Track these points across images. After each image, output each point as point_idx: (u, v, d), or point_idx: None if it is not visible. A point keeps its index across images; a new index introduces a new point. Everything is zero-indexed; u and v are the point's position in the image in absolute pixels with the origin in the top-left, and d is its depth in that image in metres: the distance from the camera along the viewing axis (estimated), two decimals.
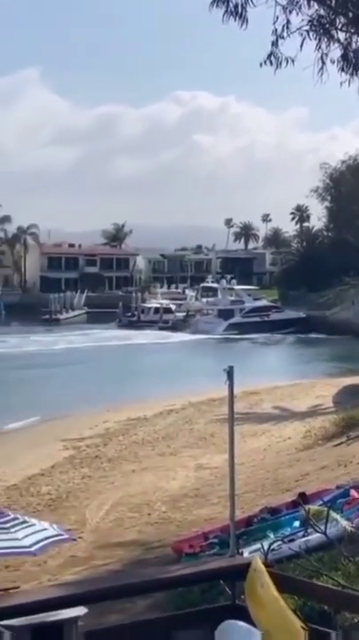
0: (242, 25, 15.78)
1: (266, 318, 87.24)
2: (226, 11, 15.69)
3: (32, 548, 10.15)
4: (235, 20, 15.77)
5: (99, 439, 29.39)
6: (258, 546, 10.94)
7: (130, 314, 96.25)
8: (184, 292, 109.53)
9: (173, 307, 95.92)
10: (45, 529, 10.71)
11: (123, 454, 26.93)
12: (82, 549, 16.27)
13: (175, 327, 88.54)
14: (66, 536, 11.30)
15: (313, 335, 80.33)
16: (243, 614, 5.37)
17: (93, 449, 27.76)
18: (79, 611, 8.26)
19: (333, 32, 15.99)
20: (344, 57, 16.10)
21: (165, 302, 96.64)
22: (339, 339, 74.33)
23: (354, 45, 16.16)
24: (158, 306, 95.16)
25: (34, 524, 10.70)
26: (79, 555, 15.94)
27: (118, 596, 6.41)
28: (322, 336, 79.15)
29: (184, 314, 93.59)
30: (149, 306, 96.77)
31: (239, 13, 15.64)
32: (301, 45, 15.81)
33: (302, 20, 15.83)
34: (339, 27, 16.05)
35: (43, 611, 5.87)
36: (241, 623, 4.94)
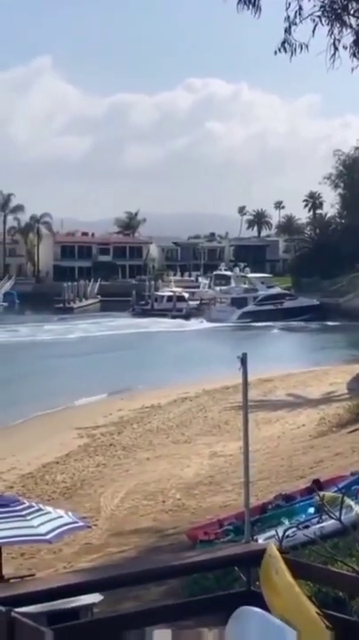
0: (256, 14, 15.74)
1: (279, 306, 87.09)
2: (239, 0, 15.67)
3: (47, 536, 10.18)
4: (249, 9, 15.73)
5: (113, 427, 29.45)
6: (272, 532, 10.96)
7: (143, 302, 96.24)
8: (197, 280, 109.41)
9: (186, 295, 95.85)
10: (60, 517, 10.75)
11: (138, 442, 26.97)
12: (97, 537, 16.33)
13: (189, 315, 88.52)
14: (81, 524, 11.34)
15: (327, 322, 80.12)
16: (258, 600, 5.38)
17: (108, 437, 27.81)
18: (94, 597, 8.32)
19: (345, 17, 15.90)
20: (356, 42, 16.00)
21: (178, 290, 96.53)
22: (353, 325, 74.15)
23: None
24: (171, 294, 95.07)
25: (49, 512, 10.74)
26: (94, 542, 15.99)
27: (133, 583, 6.44)
28: (336, 323, 78.99)
29: (197, 302, 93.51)
30: (163, 294, 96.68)
31: (253, 2, 15.60)
32: (313, 31, 15.73)
33: (314, 5, 15.76)
34: (352, 12, 15.96)
35: (58, 598, 5.89)
36: (256, 609, 4.94)
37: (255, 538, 10.07)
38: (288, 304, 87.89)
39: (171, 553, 12.86)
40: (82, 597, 7.61)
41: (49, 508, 11.10)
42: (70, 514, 11.37)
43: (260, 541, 9.22)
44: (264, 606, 5.26)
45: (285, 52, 15.93)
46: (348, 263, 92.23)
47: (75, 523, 10.97)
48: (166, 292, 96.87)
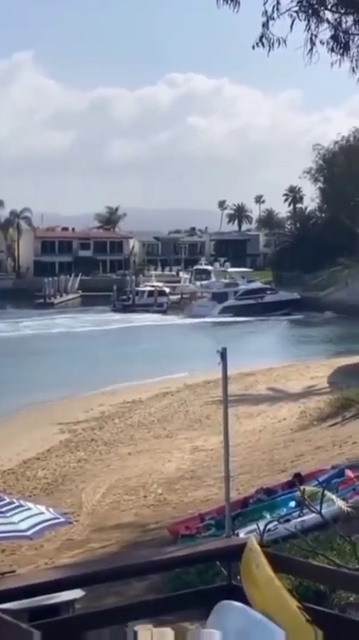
0: (234, 8, 15.74)
1: (260, 300, 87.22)
2: None
3: (28, 532, 10.16)
4: (228, 3, 15.73)
5: (94, 422, 29.43)
6: (254, 526, 10.97)
7: (124, 297, 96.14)
8: (178, 275, 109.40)
9: (167, 290, 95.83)
10: (42, 513, 10.72)
11: (119, 437, 26.97)
12: (78, 532, 16.33)
13: (169, 310, 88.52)
14: (62, 519, 11.31)
15: (307, 315, 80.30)
16: (239, 594, 5.39)
17: (89, 432, 27.80)
18: (76, 593, 8.33)
19: (322, 13, 15.91)
20: (334, 37, 16.03)
21: (159, 285, 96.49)
22: (334, 319, 74.44)
23: (343, 26, 16.09)
24: (152, 289, 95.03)
25: (30, 508, 10.71)
26: (75, 538, 15.99)
27: (115, 579, 6.42)
28: (317, 316, 79.25)
29: (178, 297, 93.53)
30: (143, 289, 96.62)
31: None
32: (291, 26, 15.74)
33: (291, 0, 15.77)
34: (329, 7, 15.98)
35: (39, 594, 5.88)
36: (236, 603, 4.96)
37: (236, 532, 10.09)
38: (269, 298, 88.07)
39: (153, 548, 12.88)
40: (63, 593, 7.61)
41: (30, 504, 11.06)
42: (51, 510, 11.34)
43: (242, 535, 9.23)
44: (245, 600, 5.27)
45: (263, 46, 15.94)
46: (329, 257, 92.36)
47: (57, 518, 10.94)
48: (147, 287, 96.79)
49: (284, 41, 15.78)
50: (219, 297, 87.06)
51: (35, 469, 23.02)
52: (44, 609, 7.06)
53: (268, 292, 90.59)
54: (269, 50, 15.89)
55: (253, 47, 16.03)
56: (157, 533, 15.15)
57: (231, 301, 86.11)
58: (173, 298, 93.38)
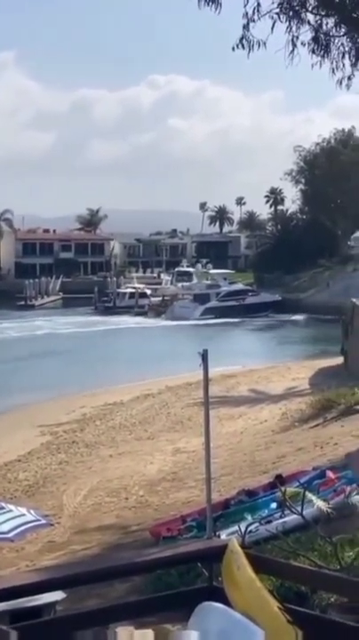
0: (216, 10, 15.75)
1: (241, 302, 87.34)
2: None
3: (9, 534, 10.13)
4: (209, 5, 15.73)
5: (76, 424, 29.38)
6: (235, 528, 11.00)
7: (106, 299, 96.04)
8: (159, 277, 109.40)
9: (149, 291, 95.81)
10: (23, 515, 10.69)
11: (101, 439, 26.95)
12: (60, 534, 16.30)
13: (151, 312, 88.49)
14: (43, 521, 11.28)
15: (288, 317, 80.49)
16: (220, 596, 5.40)
17: (70, 434, 27.75)
18: (57, 595, 8.32)
19: (303, 14, 15.95)
20: (314, 39, 16.08)
21: (141, 287, 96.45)
22: (315, 321, 74.64)
23: (324, 28, 16.14)
24: (133, 291, 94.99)
25: (11, 510, 10.68)
26: (57, 540, 15.96)
27: (96, 581, 6.41)
28: (298, 318, 79.46)
29: (159, 299, 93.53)
30: (125, 291, 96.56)
31: None
32: (272, 28, 15.78)
33: (272, 2, 15.80)
34: (310, 9, 16.02)
35: (21, 596, 5.87)
36: (217, 604, 4.97)
37: (218, 533, 10.11)
38: (250, 300, 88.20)
39: (134, 550, 12.88)
40: (44, 595, 7.60)
41: (11, 506, 11.03)
42: (33, 512, 11.31)
43: (223, 537, 9.25)
44: (226, 602, 5.28)
45: (243, 48, 15.97)
46: (310, 259, 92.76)
47: (38, 520, 10.91)
48: (128, 289, 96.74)
49: (264, 43, 15.82)
50: (200, 298, 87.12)
51: (16, 471, 22.96)
52: (26, 611, 7.04)
53: (250, 293, 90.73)
54: (249, 51, 15.92)
55: (233, 49, 16.06)
56: (139, 535, 15.15)
57: (213, 303, 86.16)
58: (154, 300, 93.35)
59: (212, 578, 5.87)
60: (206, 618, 4.83)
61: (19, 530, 10.25)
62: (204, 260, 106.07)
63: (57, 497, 19.77)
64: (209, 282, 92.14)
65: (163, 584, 9.38)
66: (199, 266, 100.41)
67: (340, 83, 16.51)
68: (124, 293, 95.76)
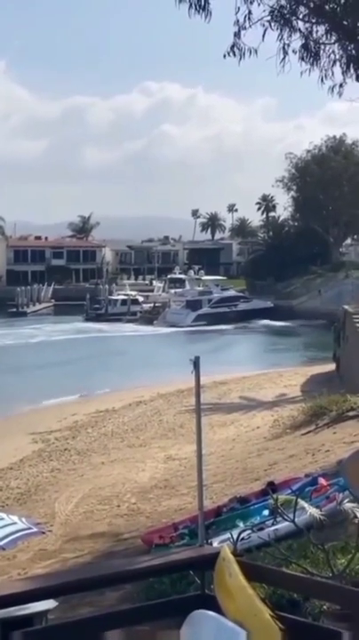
0: (206, 18, 15.76)
1: (234, 308, 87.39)
2: (190, 5, 15.67)
3: (1, 543, 10.10)
4: (199, 13, 15.74)
5: (67, 432, 29.34)
6: (227, 535, 10.96)
7: (97, 306, 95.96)
8: (151, 284, 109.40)
9: (141, 298, 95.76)
10: (14, 523, 10.66)
11: (93, 447, 26.91)
12: (51, 543, 16.25)
13: (142, 319, 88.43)
14: (35, 530, 11.25)
15: (280, 324, 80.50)
16: (212, 604, 5.39)
17: (62, 442, 27.70)
18: (49, 604, 8.27)
19: (294, 22, 15.99)
20: (304, 47, 16.11)
21: (133, 294, 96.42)
22: (307, 328, 74.71)
23: (314, 35, 16.18)
24: (125, 298, 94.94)
25: (2, 518, 10.64)
26: (49, 548, 15.91)
27: (88, 589, 6.40)
28: (290, 324, 79.50)
29: (151, 305, 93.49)
30: (116, 298, 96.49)
31: (203, 7, 15.62)
32: (263, 36, 15.81)
33: (264, 10, 15.82)
34: (301, 17, 16.05)
35: (12, 605, 5.84)
36: (209, 612, 4.96)
37: (210, 541, 10.08)
38: (242, 306, 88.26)
39: (127, 557, 12.84)
40: (36, 604, 7.56)
41: (2, 515, 11.00)
42: (24, 520, 11.28)
43: (215, 544, 9.23)
44: (218, 609, 5.27)
45: (234, 56, 15.99)
46: (301, 266, 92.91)
47: (30, 529, 10.88)
48: (120, 296, 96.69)
49: (256, 51, 15.84)
50: (192, 305, 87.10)
51: (7, 479, 22.91)
52: (17, 620, 7.01)
53: (242, 300, 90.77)
54: (240, 59, 15.95)
55: (224, 56, 16.09)
56: (131, 543, 15.11)
57: (205, 309, 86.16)
58: (146, 306, 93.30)
59: (205, 586, 5.85)
60: (198, 626, 4.82)
61: (10, 538, 10.22)
62: (197, 267, 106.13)
63: (49, 505, 19.73)
64: (201, 288, 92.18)
65: (155, 592, 9.35)
66: (191, 272, 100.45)
67: (332, 90, 16.54)
68: (116, 300, 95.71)
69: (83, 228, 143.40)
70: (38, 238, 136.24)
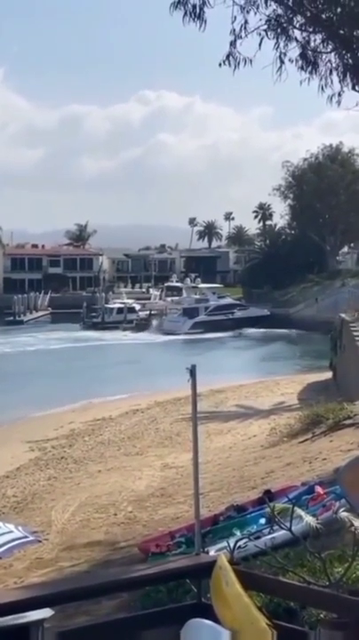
0: (201, 26, 15.75)
1: (230, 316, 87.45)
2: (185, 13, 15.63)
3: None
4: (194, 21, 15.72)
5: (64, 440, 29.31)
6: (224, 544, 10.95)
7: (94, 314, 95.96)
8: (148, 292, 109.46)
9: (138, 307, 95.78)
10: (11, 531, 10.64)
11: (89, 455, 26.87)
12: (48, 551, 16.21)
13: (139, 327, 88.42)
14: (31, 538, 11.22)
15: (277, 332, 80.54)
16: (209, 612, 5.38)
17: (59, 450, 27.67)
18: (45, 613, 8.22)
19: (291, 31, 16.00)
20: (302, 56, 16.13)
21: (129, 302, 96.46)
22: (303, 336, 74.74)
23: (312, 44, 16.20)
24: (122, 306, 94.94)
25: None
26: (45, 556, 15.87)
27: (84, 597, 6.39)
28: (287, 332, 79.52)
29: (147, 313, 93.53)
30: (112, 306, 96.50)
31: (198, 15, 15.60)
32: (260, 45, 15.81)
33: (260, 19, 15.83)
34: (297, 26, 16.07)
35: (8, 613, 5.83)
36: (205, 621, 4.95)
37: (206, 549, 10.05)
38: (239, 314, 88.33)
39: (123, 566, 12.82)
40: (32, 613, 7.54)
41: None
42: (20, 528, 11.26)
43: (212, 553, 9.19)
44: (215, 618, 5.26)
45: (230, 65, 16.00)
46: (298, 274, 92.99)
47: (26, 537, 10.86)
48: (116, 304, 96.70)
49: (251, 60, 15.86)
50: (189, 312, 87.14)
51: (4, 488, 22.87)
52: (13, 629, 6.99)
53: (239, 307, 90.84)
54: (236, 68, 15.95)
55: (220, 65, 16.10)
56: (127, 551, 15.08)
57: (202, 317, 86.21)
58: (142, 314, 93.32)
59: (201, 594, 5.85)
60: (195, 635, 4.81)
61: (6, 547, 10.19)
62: (193, 275, 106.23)
63: (45, 513, 19.69)
64: (198, 296, 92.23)
65: (151, 601, 9.32)
66: (188, 280, 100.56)
67: (331, 99, 16.56)
68: (112, 308, 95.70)
69: (80, 237, 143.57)
70: (35, 246, 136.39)
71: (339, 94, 16.54)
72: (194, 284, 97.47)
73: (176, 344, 73.53)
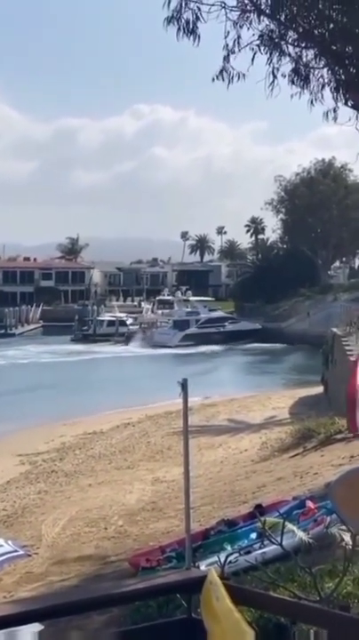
0: (194, 41, 15.77)
1: (221, 329, 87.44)
2: (178, 28, 15.67)
3: None
4: (188, 37, 15.75)
5: (55, 453, 29.23)
6: (215, 558, 10.92)
7: (85, 327, 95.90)
8: (140, 305, 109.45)
9: (130, 320, 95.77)
10: (0, 545, 10.61)
11: (80, 468, 26.80)
12: (38, 565, 16.15)
13: (129, 340, 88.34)
14: (21, 552, 11.20)
15: (268, 346, 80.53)
16: (199, 628, 5.35)
17: (50, 463, 27.59)
18: (34, 628, 8.19)
19: (284, 46, 16.05)
20: (294, 71, 16.18)
21: (121, 315, 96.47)
22: (295, 350, 74.75)
23: (304, 59, 16.25)
24: (113, 319, 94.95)
25: None
26: (35, 571, 15.81)
27: (74, 612, 6.35)
28: (278, 346, 79.53)
29: (137, 326, 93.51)
30: (102, 319, 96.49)
31: (191, 30, 15.64)
32: (253, 60, 15.86)
33: (253, 34, 15.88)
34: (290, 41, 16.12)
35: None
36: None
37: (197, 564, 10.04)
38: (230, 327, 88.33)
39: (113, 580, 12.77)
40: (21, 628, 7.50)
41: None
42: (10, 542, 11.23)
43: (203, 567, 9.18)
44: (205, 633, 5.23)
45: (223, 79, 16.05)
46: (290, 288, 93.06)
47: (16, 551, 10.83)
48: (106, 317, 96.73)
49: (244, 75, 15.90)
50: (180, 325, 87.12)
51: None
52: None
53: (230, 321, 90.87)
54: (229, 83, 16.00)
55: (213, 80, 16.15)
56: (118, 566, 15.04)
57: (192, 330, 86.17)
58: (133, 328, 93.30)
59: (191, 609, 5.82)
60: None
61: None
62: (184, 288, 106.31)
63: (35, 527, 19.62)
64: (189, 309, 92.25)
65: (141, 616, 9.29)
66: (179, 293, 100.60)
67: (326, 115, 16.60)
68: (103, 321, 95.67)
69: (72, 250, 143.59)
70: (27, 259, 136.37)
71: (335, 110, 16.60)
72: (184, 297, 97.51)
73: (167, 357, 73.43)
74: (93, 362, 71.22)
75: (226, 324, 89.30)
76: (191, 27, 15.59)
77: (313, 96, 16.35)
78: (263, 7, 15.60)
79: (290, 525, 8.89)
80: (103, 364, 69.31)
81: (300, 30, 16.01)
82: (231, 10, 15.58)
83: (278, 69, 16.07)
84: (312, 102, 16.39)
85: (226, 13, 15.51)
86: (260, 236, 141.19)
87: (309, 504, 14.61)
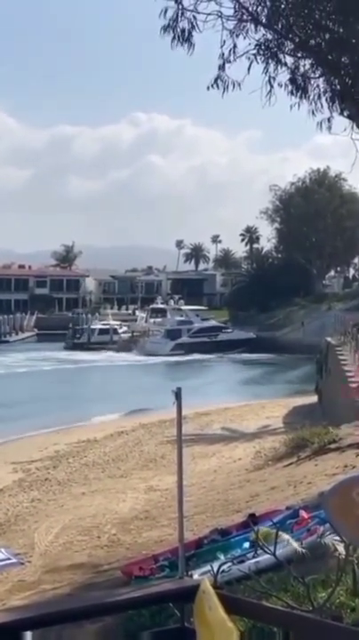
0: (189, 50, 15.78)
1: (214, 338, 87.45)
2: (174, 37, 15.67)
3: None
4: (182, 45, 15.75)
5: (48, 462, 29.17)
6: (208, 568, 10.90)
7: (78, 335, 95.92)
8: (134, 314, 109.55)
9: (124, 328, 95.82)
10: None
11: (73, 477, 26.75)
12: (30, 574, 16.09)
13: (121, 348, 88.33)
14: (14, 560, 11.15)
15: (263, 355, 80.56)
16: (191, 637, 5.34)
17: (43, 472, 27.53)
18: (26, 637, 8.16)
19: (281, 56, 16.07)
20: (292, 80, 16.20)
21: (114, 323, 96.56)
22: (289, 359, 74.76)
23: (301, 69, 16.27)
24: (106, 327, 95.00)
25: None
26: (27, 579, 15.75)
27: (66, 621, 6.33)
28: (272, 356, 79.53)
29: (130, 335, 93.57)
30: (95, 327, 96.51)
31: (186, 39, 15.65)
32: (249, 69, 15.87)
33: (249, 43, 15.89)
34: (287, 51, 16.14)
35: None
36: None
37: (190, 573, 10.01)
38: (223, 336, 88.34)
39: (106, 589, 12.72)
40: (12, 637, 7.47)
41: None
42: (3, 550, 11.18)
43: (196, 576, 9.16)
44: None
45: (218, 88, 16.06)
46: (285, 297, 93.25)
47: (8, 559, 10.79)
48: (98, 325, 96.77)
49: (239, 84, 15.91)
50: (172, 334, 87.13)
51: None
52: None
53: (223, 330, 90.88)
54: (224, 92, 15.99)
55: (208, 88, 16.15)
56: (111, 575, 14.98)
57: (184, 339, 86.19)
58: (124, 336, 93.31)
59: (184, 618, 5.80)
60: None
61: None
62: (177, 297, 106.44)
63: (28, 535, 19.56)
64: (181, 318, 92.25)
65: (134, 625, 9.25)
66: (171, 302, 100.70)
67: (320, 125, 16.59)
68: (95, 329, 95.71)
69: (66, 258, 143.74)
70: (22, 267, 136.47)
71: (329, 120, 16.59)
72: (176, 306, 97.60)
73: (159, 366, 73.39)
74: (84, 370, 71.11)
75: (219, 333, 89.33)
76: (186, 35, 15.61)
77: (312, 106, 16.36)
78: (260, 17, 15.62)
79: (283, 535, 8.88)
80: (90, 372, 69.21)
81: (297, 40, 16.03)
82: (228, 19, 15.60)
83: (274, 79, 16.08)
84: (313, 113, 16.37)
85: (222, 23, 15.53)
86: (255, 245, 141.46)
87: (303, 513, 14.57)
